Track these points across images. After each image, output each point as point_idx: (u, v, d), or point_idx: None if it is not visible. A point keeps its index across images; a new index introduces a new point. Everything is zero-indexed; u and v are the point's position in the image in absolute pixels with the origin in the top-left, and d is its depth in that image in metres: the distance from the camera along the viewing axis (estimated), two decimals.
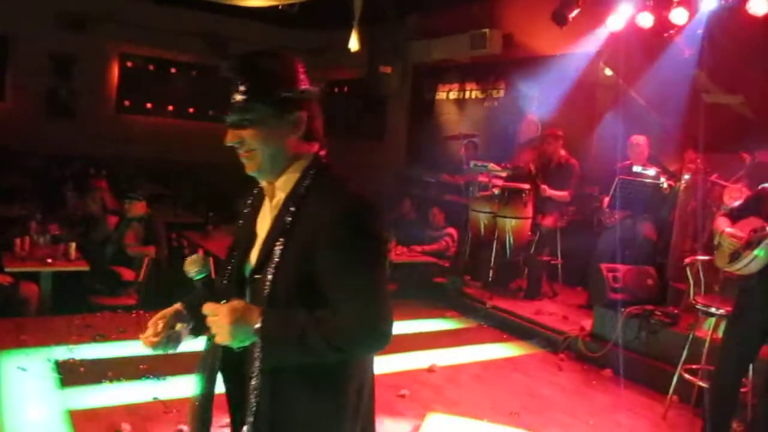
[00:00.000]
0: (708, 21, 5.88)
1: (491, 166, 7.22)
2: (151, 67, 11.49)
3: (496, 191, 6.97)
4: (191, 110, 11.88)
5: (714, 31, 5.86)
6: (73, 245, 5.74)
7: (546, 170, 6.88)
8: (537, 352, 5.83)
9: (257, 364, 1.54)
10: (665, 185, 5.89)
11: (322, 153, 1.72)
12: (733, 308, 3.82)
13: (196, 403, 1.81)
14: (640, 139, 6.26)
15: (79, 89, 10.72)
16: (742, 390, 3.95)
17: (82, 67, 10.70)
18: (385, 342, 1.54)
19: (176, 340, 1.81)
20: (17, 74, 10.34)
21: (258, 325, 1.50)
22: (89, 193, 6.80)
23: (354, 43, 7.82)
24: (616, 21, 6.54)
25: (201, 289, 1.66)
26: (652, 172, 6.02)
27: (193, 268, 1.68)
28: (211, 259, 1.65)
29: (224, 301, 1.58)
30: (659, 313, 5.28)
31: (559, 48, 7.55)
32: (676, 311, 5.32)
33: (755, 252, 3.42)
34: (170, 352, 1.81)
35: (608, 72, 7.19)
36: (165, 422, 3.86)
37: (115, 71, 11.24)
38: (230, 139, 1.66)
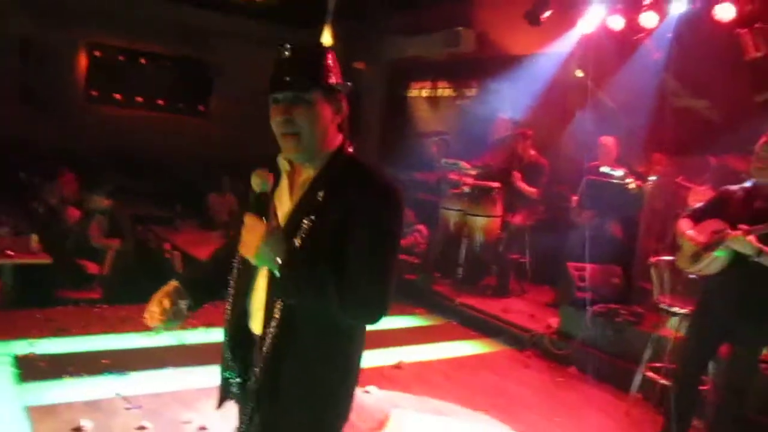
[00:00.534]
0: (677, 25, 5.97)
1: (462, 164, 7.24)
2: (120, 58, 11.27)
3: (466, 189, 6.99)
4: (161, 102, 11.71)
5: (682, 35, 5.95)
6: (35, 237, 5.61)
7: (516, 169, 6.91)
8: (504, 349, 5.86)
9: (276, 316, 1.69)
10: (632, 186, 5.97)
11: (348, 143, 1.83)
12: (694, 307, 3.88)
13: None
14: (608, 140, 6.34)
15: (45, 79, 10.47)
16: (704, 388, 4.03)
17: (49, 57, 10.45)
18: (378, 318, 1.69)
19: (180, 316, 1.89)
20: None
21: (284, 255, 1.61)
22: (48, 185, 6.65)
23: (327, 39, 7.78)
24: (587, 23, 6.61)
25: (255, 202, 1.67)
26: (619, 173, 6.10)
27: (257, 181, 1.69)
28: (270, 176, 1.70)
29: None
30: (624, 312, 5.36)
31: (532, 48, 7.60)
32: (641, 310, 5.40)
33: (715, 253, 3.47)
34: (175, 329, 1.91)
35: (579, 73, 7.26)
36: (127, 418, 3.80)
37: (83, 61, 11.01)
38: (281, 115, 1.74)
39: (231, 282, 1.87)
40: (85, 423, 3.62)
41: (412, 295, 7.07)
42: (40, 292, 5.68)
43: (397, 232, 1.75)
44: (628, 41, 6.43)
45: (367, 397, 4.42)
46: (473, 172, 7.18)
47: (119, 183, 8.19)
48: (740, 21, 5.49)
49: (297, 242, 1.68)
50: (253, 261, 1.64)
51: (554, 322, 5.88)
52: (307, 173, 1.79)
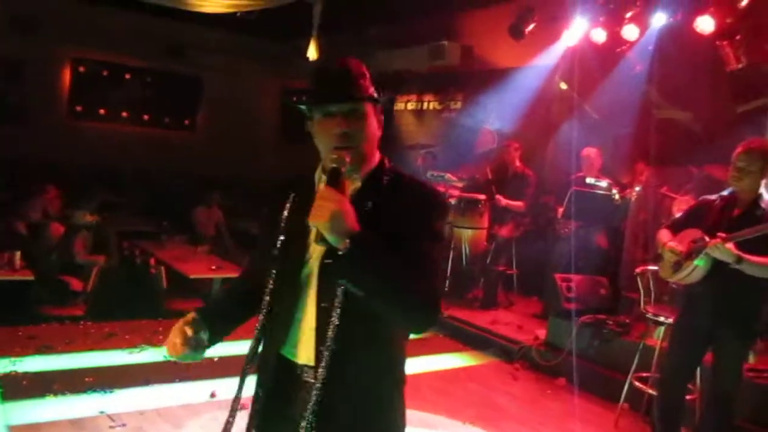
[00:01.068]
0: (658, 37, 6.04)
1: (448, 176, 7.27)
2: (104, 73, 11.23)
3: (453, 201, 7.01)
4: (146, 117, 11.66)
5: (664, 47, 6.02)
6: (18, 254, 5.54)
7: (502, 181, 6.95)
8: (492, 361, 5.86)
9: (330, 334, 1.63)
10: (617, 197, 6.01)
11: (386, 157, 1.82)
12: (677, 316, 3.91)
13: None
14: (591, 152, 6.40)
15: (29, 95, 10.40)
16: (691, 397, 4.04)
17: (33, 72, 10.38)
18: (433, 318, 1.65)
19: (201, 347, 1.82)
20: None
21: (357, 230, 1.54)
22: (31, 201, 6.58)
23: (313, 52, 7.78)
24: (571, 36, 6.67)
25: (331, 176, 1.63)
26: (604, 183, 6.15)
27: (333, 157, 1.67)
28: (348, 158, 1.66)
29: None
30: (611, 323, 5.37)
31: (517, 61, 7.66)
32: (627, 320, 5.42)
33: (695, 262, 3.51)
34: (196, 360, 1.83)
35: (564, 85, 7.32)
36: None
37: (67, 76, 10.96)
38: (339, 127, 1.68)
39: (264, 311, 1.79)
40: None
41: None
42: (22, 309, 5.61)
43: (444, 235, 1.77)
44: (611, 54, 6.50)
45: None
46: (460, 185, 7.21)
47: (104, 198, 8.14)
48: (720, 33, 5.56)
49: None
50: (322, 228, 1.54)
51: (542, 333, 5.88)
52: (354, 184, 1.75)
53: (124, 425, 3.87)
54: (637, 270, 4.85)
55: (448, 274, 6.96)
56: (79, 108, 11.05)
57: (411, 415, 1.81)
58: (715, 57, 5.63)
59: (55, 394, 4.22)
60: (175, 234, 8.04)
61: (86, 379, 4.45)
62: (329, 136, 1.70)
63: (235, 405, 1.79)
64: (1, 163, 9.59)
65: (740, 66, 5.50)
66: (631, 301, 5.59)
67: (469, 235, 6.90)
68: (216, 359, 5.12)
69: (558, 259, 6.27)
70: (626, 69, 6.42)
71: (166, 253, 7.03)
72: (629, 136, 6.53)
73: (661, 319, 4.41)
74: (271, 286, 1.78)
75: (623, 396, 4.62)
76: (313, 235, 1.63)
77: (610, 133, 6.82)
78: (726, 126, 5.54)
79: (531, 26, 6.84)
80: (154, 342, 5.46)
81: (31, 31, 9.89)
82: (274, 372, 1.77)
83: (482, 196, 6.88)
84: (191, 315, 1.83)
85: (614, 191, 6.03)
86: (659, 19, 5.97)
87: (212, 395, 4.36)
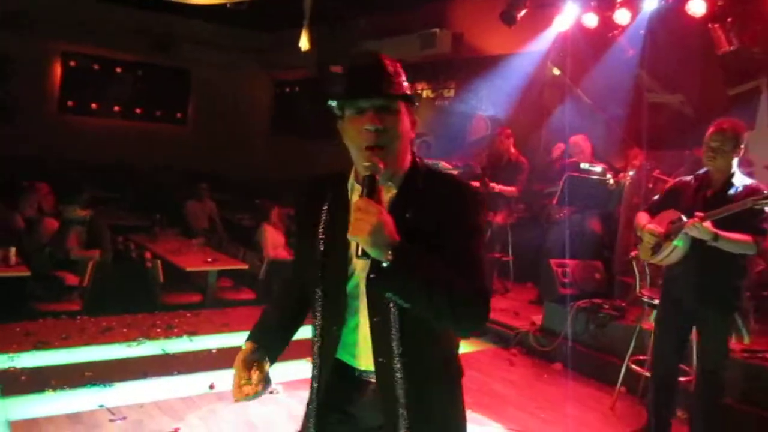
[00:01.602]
0: (649, 21, 6.03)
1: (442, 164, 7.25)
2: (95, 67, 11.17)
3: None
4: (138, 111, 11.61)
5: (655, 31, 6.02)
6: (13, 250, 5.52)
7: (496, 168, 6.95)
8: (489, 348, 5.88)
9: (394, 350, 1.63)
10: (611, 181, 6.03)
11: (418, 156, 1.77)
12: (660, 298, 3.98)
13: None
14: (577, 139, 6.42)
15: (18, 90, 10.34)
16: (688, 379, 4.08)
17: (22, 67, 10.32)
18: (485, 315, 1.61)
19: (269, 381, 1.78)
20: None
21: (398, 242, 1.50)
22: (24, 197, 6.55)
23: (304, 43, 7.75)
24: (562, 21, 6.66)
25: (367, 184, 1.57)
26: (598, 168, 6.16)
27: (367, 164, 1.60)
28: (381, 164, 1.60)
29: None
30: (607, 307, 5.40)
31: (509, 48, 7.64)
32: (623, 304, 5.45)
33: (674, 242, 3.58)
34: (263, 395, 1.78)
35: (556, 71, 7.32)
36: (111, 430, 3.75)
37: (57, 71, 10.89)
38: (372, 122, 1.61)
39: (316, 327, 1.76)
40: None
41: None
42: (19, 305, 5.59)
43: (484, 229, 1.73)
44: (602, 38, 6.48)
45: None
46: (454, 173, 7.20)
47: (97, 193, 8.12)
48: (712, 16, 5.56)
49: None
50: (363, 243, 1.49)
51: (538, 319, 5.91)
52: (390, 192, 1.69)
53: (124, 418, 3.87)
54: (632, 254, 4.86)
55: None
56: (70, 103, 11.02)
57: None
58: (706, 40, 5.63)
59: (54, 389, 4.22)
60: (168, 227, 8.03)
61: (84, 374, 4.45)
62: (359, 133, 1.62)
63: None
64: None
65: (732, 49, 5.50)
66: (627, 285, 5.61)
67: None
68: (214, 351, 5.18)
69: (553, 244, 6.28)
70: (618, 53, 6.41)
71: (160, 246, 7.03)
72: (622, 120, 6.54)
73: (656, 302, 4.42)
74: (319, 305, 1.75)
75: (620, 379, 4.66)
76: (353, 249, 1.58)
77: (603, 117, 6.83)
78: (718, 109, 5.55)
79: (522, 12, 6.81)
80: (151, 335, 5.47)
81: (21, 26, 9.82)
82: (330, 372, 1.75)
83: (476, 184, 6.88)
84: (248, 348, 1.80)
85: (608, 176, 6.04)
86: (650, 3, 5.95)
87: (211, 387, 4.37)
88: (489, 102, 8.25)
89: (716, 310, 3.57)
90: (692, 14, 5.61)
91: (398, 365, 1.64)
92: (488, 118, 8.23)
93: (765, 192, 3.36)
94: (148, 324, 5.74)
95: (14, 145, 9.68)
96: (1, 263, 5.47)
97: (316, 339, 1.77)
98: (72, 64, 10.95)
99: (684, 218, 3.51)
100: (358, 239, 1.50)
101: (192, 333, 5.62)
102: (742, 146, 3.52)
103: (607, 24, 6.37)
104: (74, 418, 3.85)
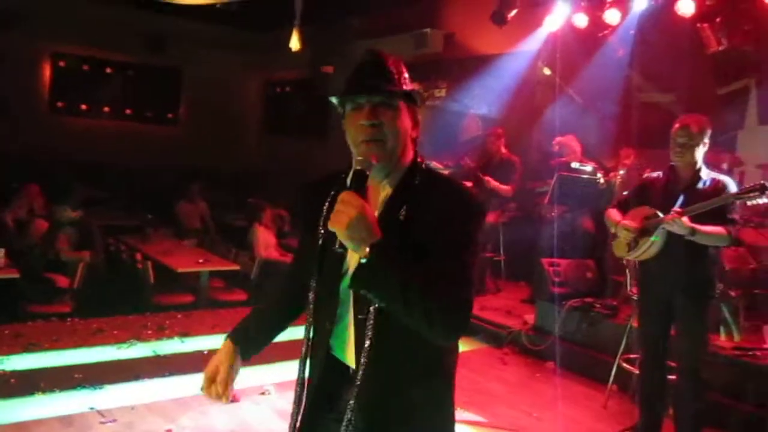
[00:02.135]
0: (639, 21, 6.06)
1: (434, 164, 7.25)
2: (85, 67, 11.11)
3: None
4: (129, 111, 11.56)
5: (645, 31, 6.05)
6: (3, 251, 5.49)
7: (488, 168, 6.96)
8: (482, 347, 5.89)
9: (369, 334, 1.61)
10: (602, 180, 6.04)
11: (421, 157, 1.77)
12: (637, 294, 4.02)
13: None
14: (566, 139, 6.45)
15: (9, 90, 10.27)
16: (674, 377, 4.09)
17: (12, 68, 10.25)
18: (463, 326, 1.60)
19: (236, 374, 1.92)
20: None
21: (377, 238, 1.49)
22: (15, 198, 6.52)
23: (295, 43, 7.74)
24: (553, 21, 6.67)
25: (354, 179, 1.59)
26: (589, 168, 6.18)
27: (360, 159, 1.62)
28: (374, 158, 1.62)
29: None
30: (599, 305, 5.43)
31: (500, 47, 7.65)
32: (614, 303, 5.47)
33: (652, 238, 3.62)
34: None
35: (547, 71, 7.33)
36: None
37: (47, 71, 10.82)
38: (367, 118, 1.63)
39: (310, 314, 1.78)
40: None
41: None
42: (8, 307, 5.56)
43: (478, 239, 1.68)
44: (593, 38, 6.51)
45: None
46: (446, 172, 7.19)
47: (88, 194, 8.07)
48: (701, 16, 5.59)
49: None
50: (340, 235, 1.50)
51: (530, 318, 5.92)
52: (385, 191, 1.71)
53: (114, 421, 3.85)
54: None
55: None
56: (60, 104, 10.95)
57: None
58: (696, 40, 5.67)
59: (44, 391, 4.19)
60: (160, 227, 8.00)
61: (75, 376, 4.43)
62: (357, 128, 1.65)
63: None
64: None
65: (721, 48, 5.53)
66: (618, 283, 5.64)
67: None
68: (206, 352, 5.16)
69: (545, 243, 6.30)
70: (608, 53, 6.45)
71: (151, 247, 7.00)
72: (613, 120, 6.57)
73: None
74: (312, 298, 1.76)
75: (612, 377, 4.67)
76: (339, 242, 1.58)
77: (594, 117, 6.85)
78: (707, 108, 5.57)
79: (513, 12, 6.83)
80: (142, 337, 5.45)
81: (11, 25, 9.75)
82: (323, 367, 1.76)
83: (469, 184, 6.88)
84: (225, 348, 1.91)
85: (599, 175, 6.06)
86: (640, 3, 5.98)
87: (202, 388, 4.34)
88: (481, 101, 8.26)
89: (693, 301, 3.62)
90: (681, 14, 5.64)
91: (379, 364, 1.63)
92: (480, 117, 8.23)
93: (746, 186, 3.47)
94: (139, 325, 5.71)
95: (4, 145, 9.62)
96: None
97: (310, 334, 1.78)
98: (62, 64, 10.88)
99: (660, 214, 3.56)
100: (336, 230, 1.51)
101: (184, 334, 5.60)
102: (707, 141, 3.62)
103: (597, 24, 6.40)
104: (64, 420, 3.83)
